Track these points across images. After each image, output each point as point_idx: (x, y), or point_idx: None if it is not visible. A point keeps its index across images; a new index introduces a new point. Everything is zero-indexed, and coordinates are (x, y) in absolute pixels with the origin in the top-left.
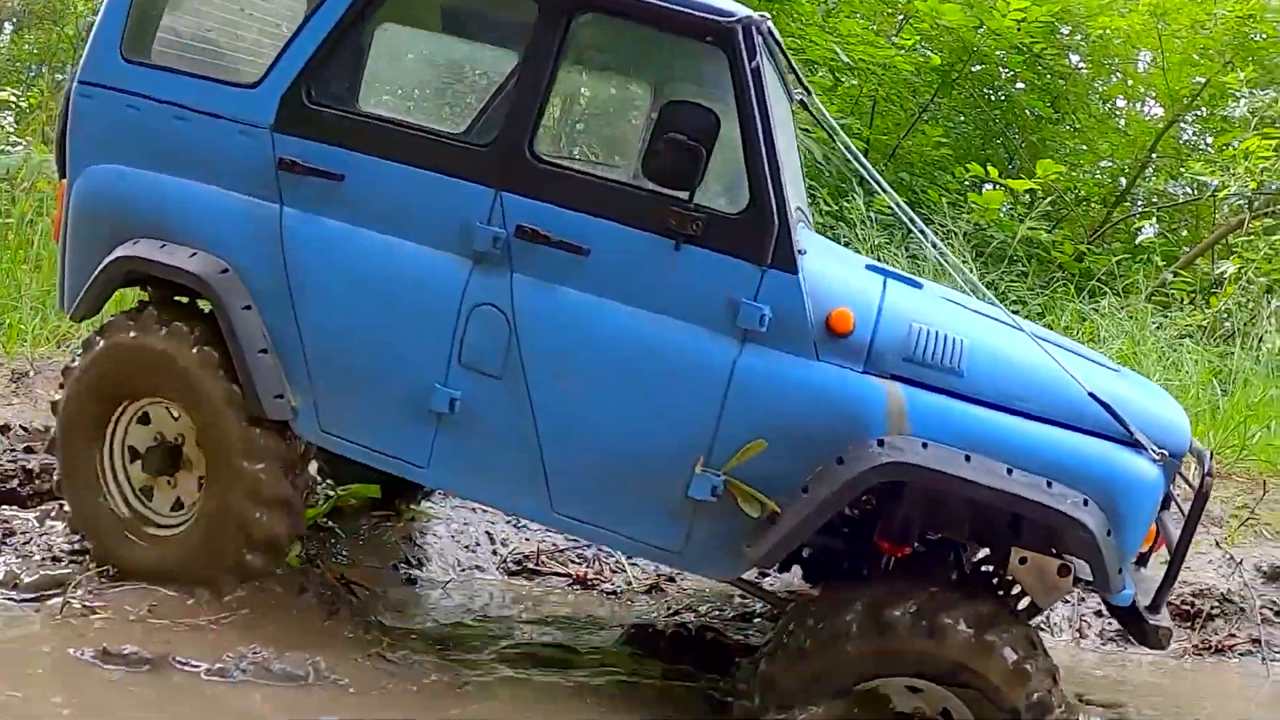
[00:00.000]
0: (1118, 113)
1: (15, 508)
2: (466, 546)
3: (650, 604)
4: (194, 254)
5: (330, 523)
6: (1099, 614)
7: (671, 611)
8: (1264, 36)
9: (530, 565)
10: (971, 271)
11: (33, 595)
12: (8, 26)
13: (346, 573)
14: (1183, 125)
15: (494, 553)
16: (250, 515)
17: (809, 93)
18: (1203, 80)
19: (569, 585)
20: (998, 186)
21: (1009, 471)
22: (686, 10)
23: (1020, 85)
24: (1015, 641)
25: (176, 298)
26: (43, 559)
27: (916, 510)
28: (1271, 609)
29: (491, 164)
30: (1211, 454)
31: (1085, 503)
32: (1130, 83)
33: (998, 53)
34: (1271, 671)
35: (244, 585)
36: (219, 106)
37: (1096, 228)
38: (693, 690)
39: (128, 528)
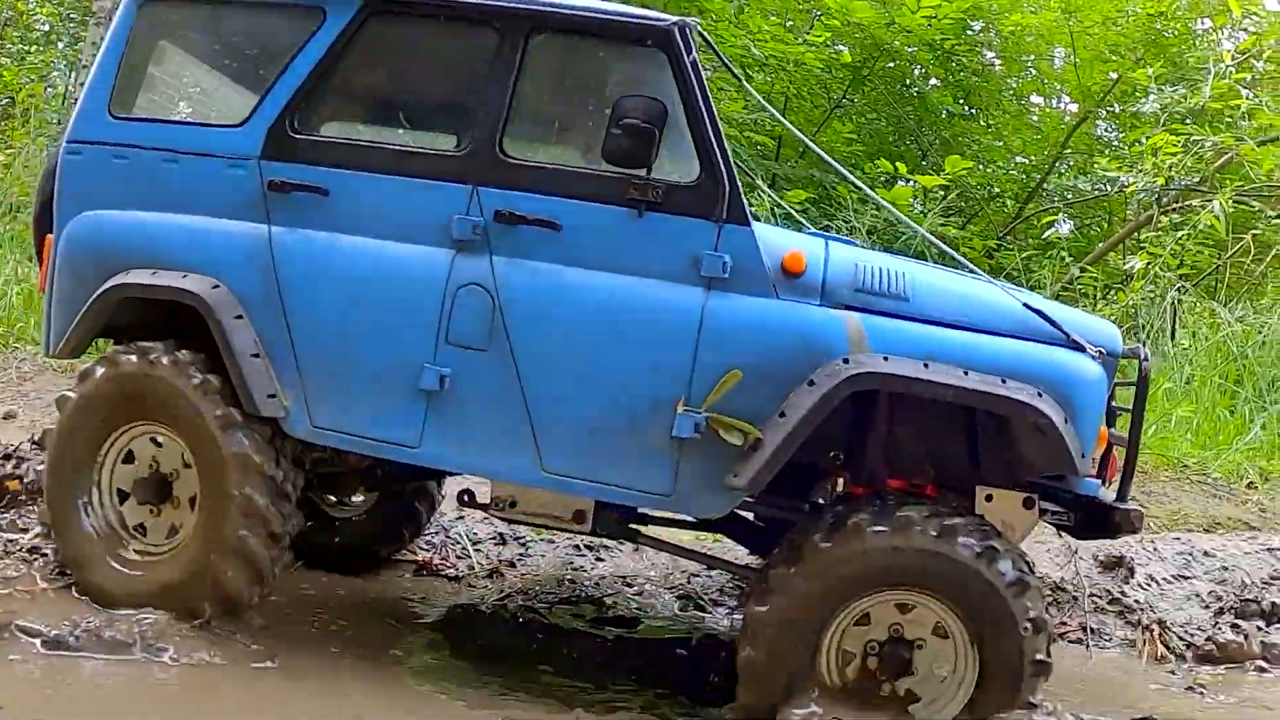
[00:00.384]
0: (1033, 109)
1: None
2: None
3: (489, 587)
4: (185, 275)
5: None
6: None
7: (504, 595)
8: (1175, 33)
9: (380, 554)
10: None
11: None
12: None
13: None
14: (1098, 122)
15: None
16: (238, 540)
17: (743, 81)
18: (1115, 76)
19: (414, 572)
20: (907, 182)
21: (965, 373)
22: (627, 20)
23: (934, 82)
24: (1014, 555)
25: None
26: None
27: (879, 451)
28: (1105, 597)
29: (466, 165)
30: (1145, 348)
31: (1039, 394)
32: (1045, 80)
33: (909, 49)
34: (1096, 656)
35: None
36: (208, 146)
37: (1008, 224)
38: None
39: (110, 551)
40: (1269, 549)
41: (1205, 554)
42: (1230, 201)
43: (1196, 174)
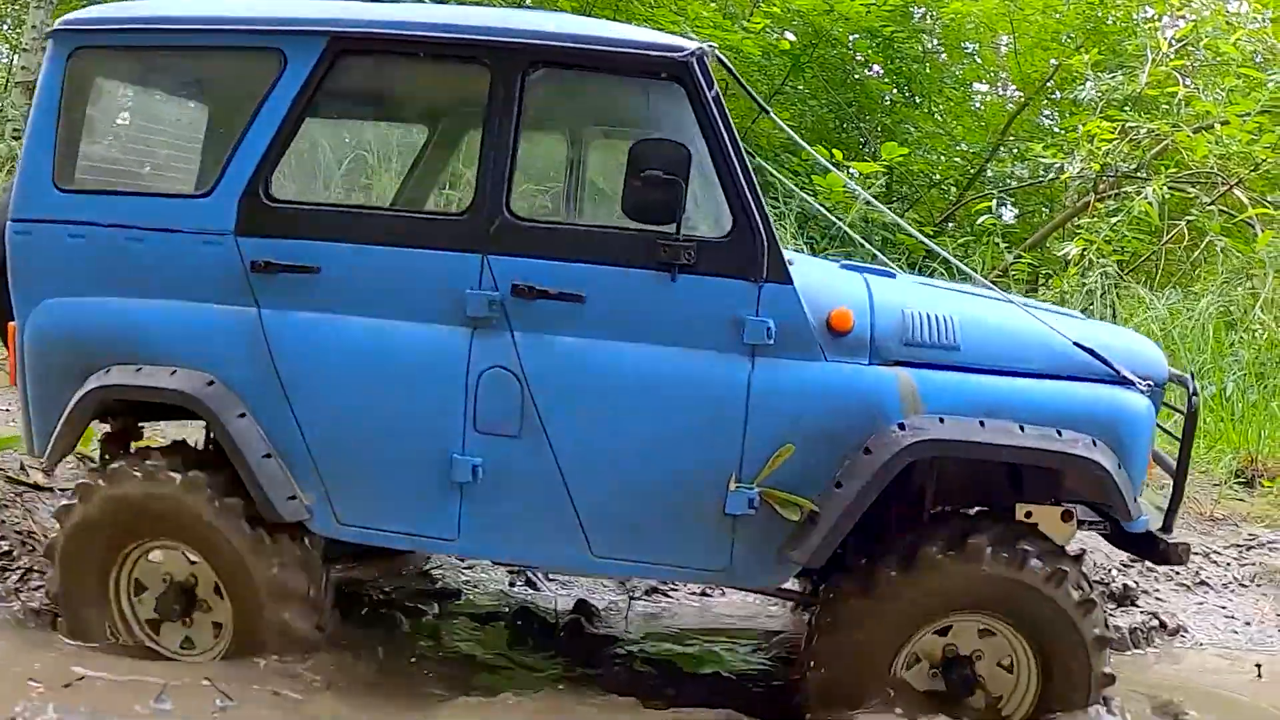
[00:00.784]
0: (976, 97)
1: None
2: None
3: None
4: (174, 371)
5: None
6: None
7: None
8: (1116, 20)
9: None
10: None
11: None
12: None
13: None
14: (1043, 110)
15: None
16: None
17: (767, 111)
18: (1053, 63)
19: None
20: (840, 169)
21: (1021, 429)
22: (636, 51)
23: (876, 70)
24: (1077, 576)
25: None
26: None
27: (927, 485)
28: None
29: (472, 230)
30: (1193, 375)
31: (1094, 443)
32: (988, 67)
33: (849, 36)
34: None
35: None
36: (173, 221)
37: (947, 211)
38: None
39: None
40: None
41: None
42: (1164, 188)
43: (1133, 161)
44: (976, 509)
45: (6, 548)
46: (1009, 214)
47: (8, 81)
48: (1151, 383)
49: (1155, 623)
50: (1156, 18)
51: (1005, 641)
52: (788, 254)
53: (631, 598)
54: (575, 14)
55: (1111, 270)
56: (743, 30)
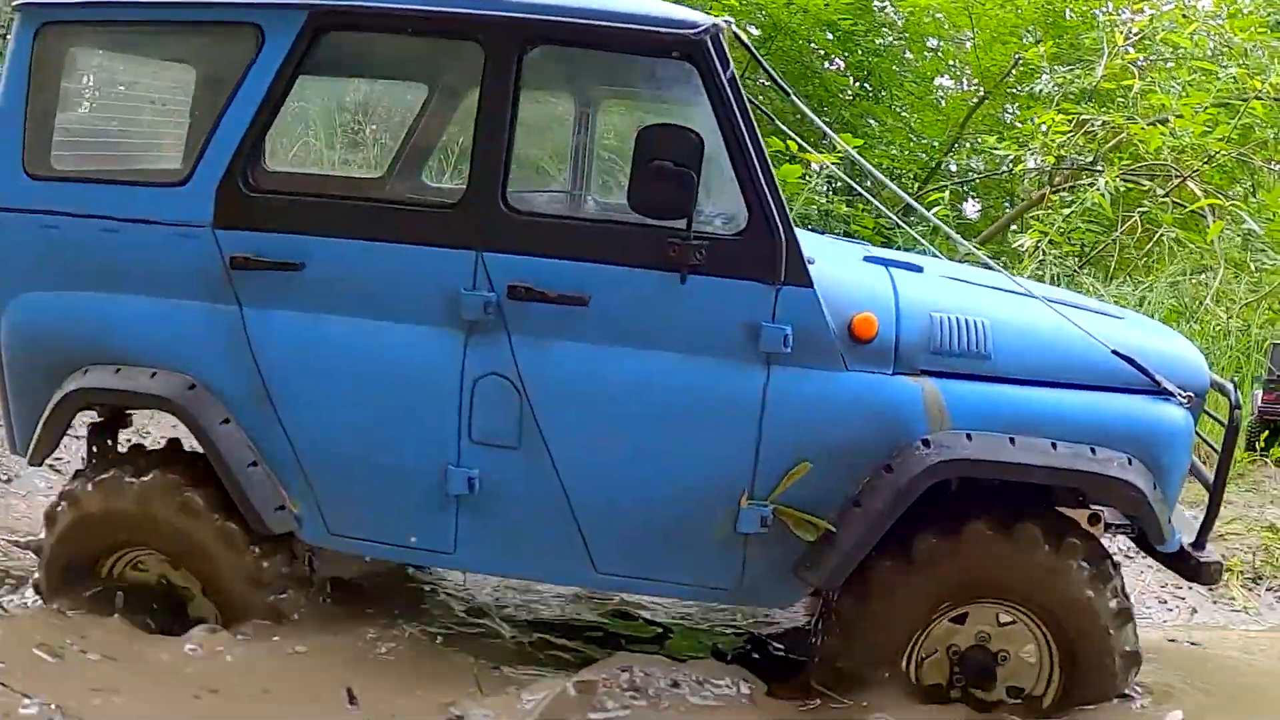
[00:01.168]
0: (940, 92)
1: None
2: None
3: None
4: (154, 374)
5: None
6: None
7: None
8: (1074, 15)
9: None
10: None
11: None
12: None
13: None
14: (1006, 104)
15: None
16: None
17: (788, 93)
18: (1015, 57)
19: None
20: (793, 160)
21: (1054, 446)
22: (645, 28)
23: (838, 63)
24: (1118, 585)
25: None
26: None
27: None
28: None
29: (465, 223)
30: (1236, 385)
31: (1130, 461)
32: (949, 61)
33: (809, 29)
34: None
35: None
36: (149, 211)
37: (903, 203)
38: None
39: None
40: None
41: None
42: (1118, 180)
43: (1089, 154)
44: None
45: None
46: (973, 208)
47: None
48: (1192, 395)
49: None
50: (1116, 11)
51: (1025, 632)
52: (802, 235)
53: None
54: None
55: (1069, 263)
56: None
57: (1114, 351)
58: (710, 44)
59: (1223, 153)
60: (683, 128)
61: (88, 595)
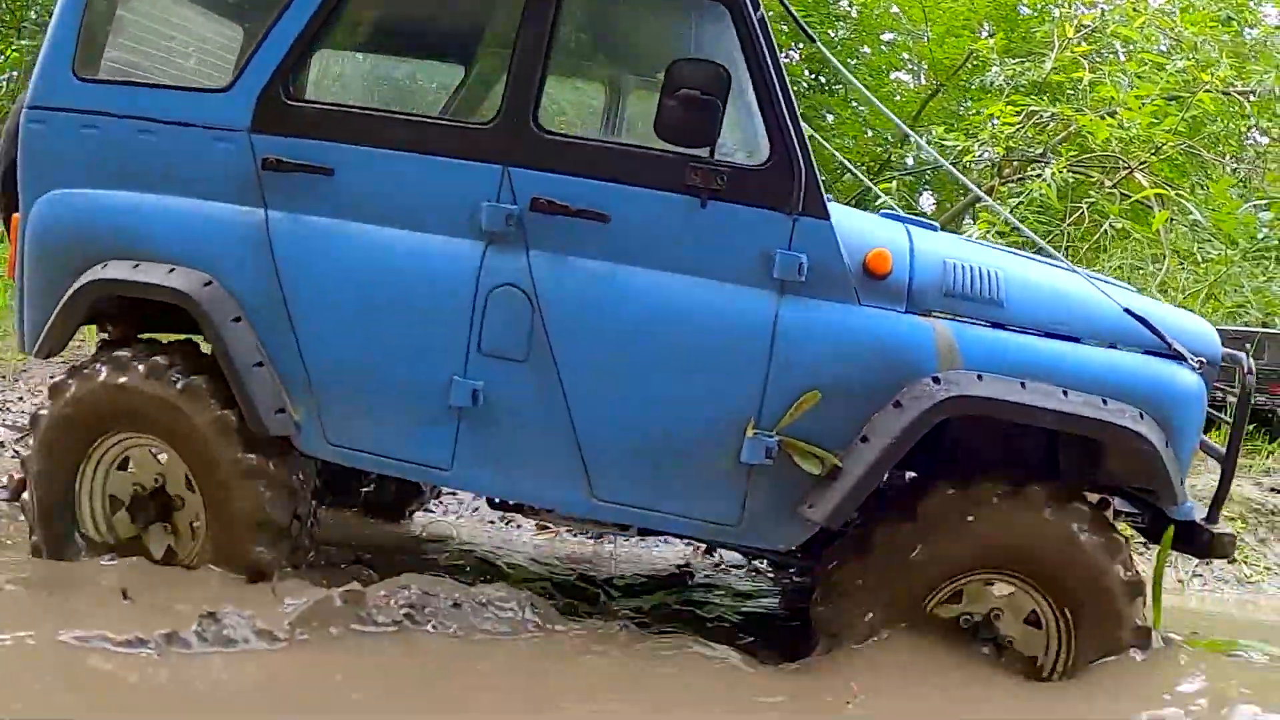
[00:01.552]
0: (898, 86)
1: None
2: None
3: None
4: (172, 270)
5: None
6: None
7: None
8: (1026, 10)
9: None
10: None
11: None
12: None
13: None
14: (964, 96)
15: None
16: (250, 548)
17: (813, 39)
18: (968, 50)
19: None
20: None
21: (1065, 393)
22: None
23: (793, 55)
24: (1128, 557)
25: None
26: None
27: (954, 457)
28: None
29: (496, 141)
30: (1249, 354)
31: (1141, 416)
32: (905, 54)
33: None
34: None
35: None
36: (188, 114)
37: (854, 195)
38: None
39: None
40: None
41: None
42: (1064, 171)
43: (1039, 145)
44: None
45: None
46: (928, 200)
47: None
48: (1204, 360)
49: None
50: (1068, 4)
51: (1029, 603)
52: (841, 209)
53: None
54: None
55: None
56: None
57: (1126, 310)
58: None
59: (1170, 144)
60: (712, 62)
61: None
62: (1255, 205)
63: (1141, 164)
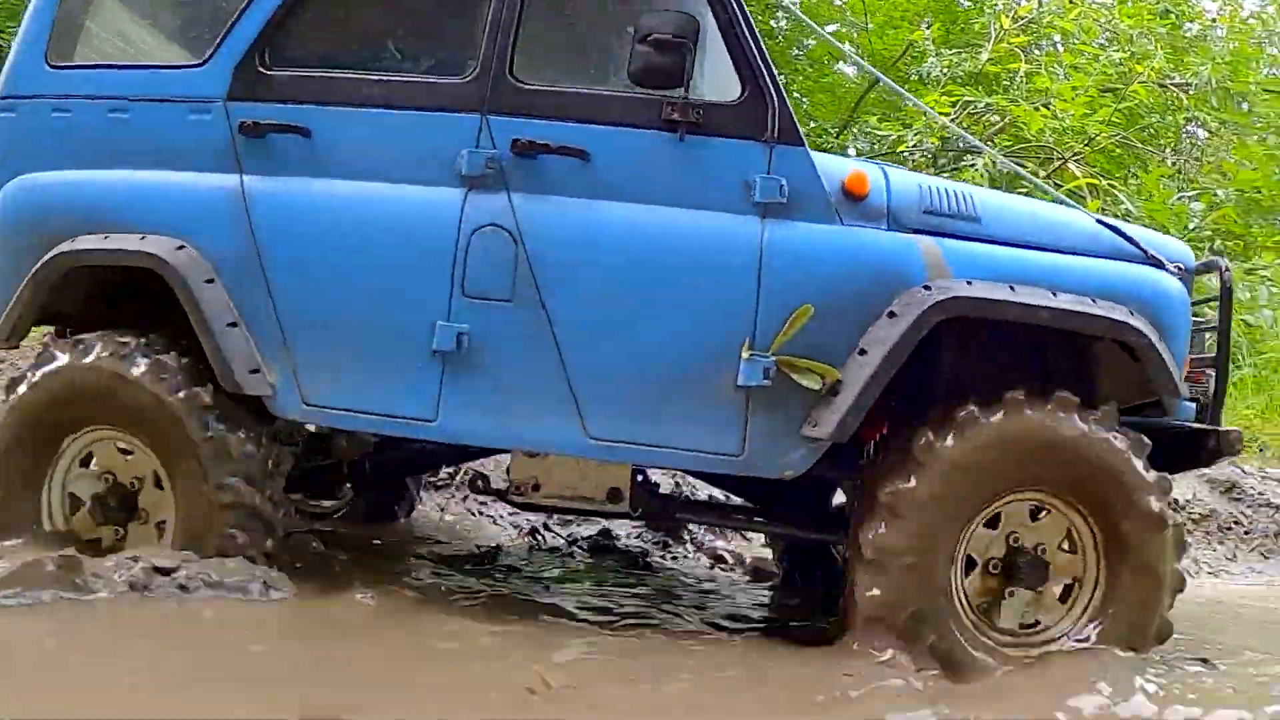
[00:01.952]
0: (840, 77)
1: None
2: None
3: None
4: (143, 237)
5: None
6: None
7: None
8: (966, 4)
9: None
10: None
11: None
12: None
13: None
14: (903, 87)
15: None
16: (222, 530)
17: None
18: (907, 41)
19: None
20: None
21: (1055, 294)
22: None
23: None
24: (1165, 482)
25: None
26: None
27: (943, 391)
28: None
29: (473, 92)
30: (1223, 253)
31: (1132, 313)
32: (847, 44)
33: None
34: None
35: None
36: (164, 90)
37: None
38: None
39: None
40: None
41: None
42: (996, 161)
43: (975, 136)
44: None
45: None
46: None
47: None
48: (1181, 266)
49: None
50: None
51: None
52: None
53: None
54: None
55: None
56: None
57: (1100, 221)
58: None
59: (1103, 136)
60: (680, 11)
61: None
62: (1187, 195)
63: (1075, 155)
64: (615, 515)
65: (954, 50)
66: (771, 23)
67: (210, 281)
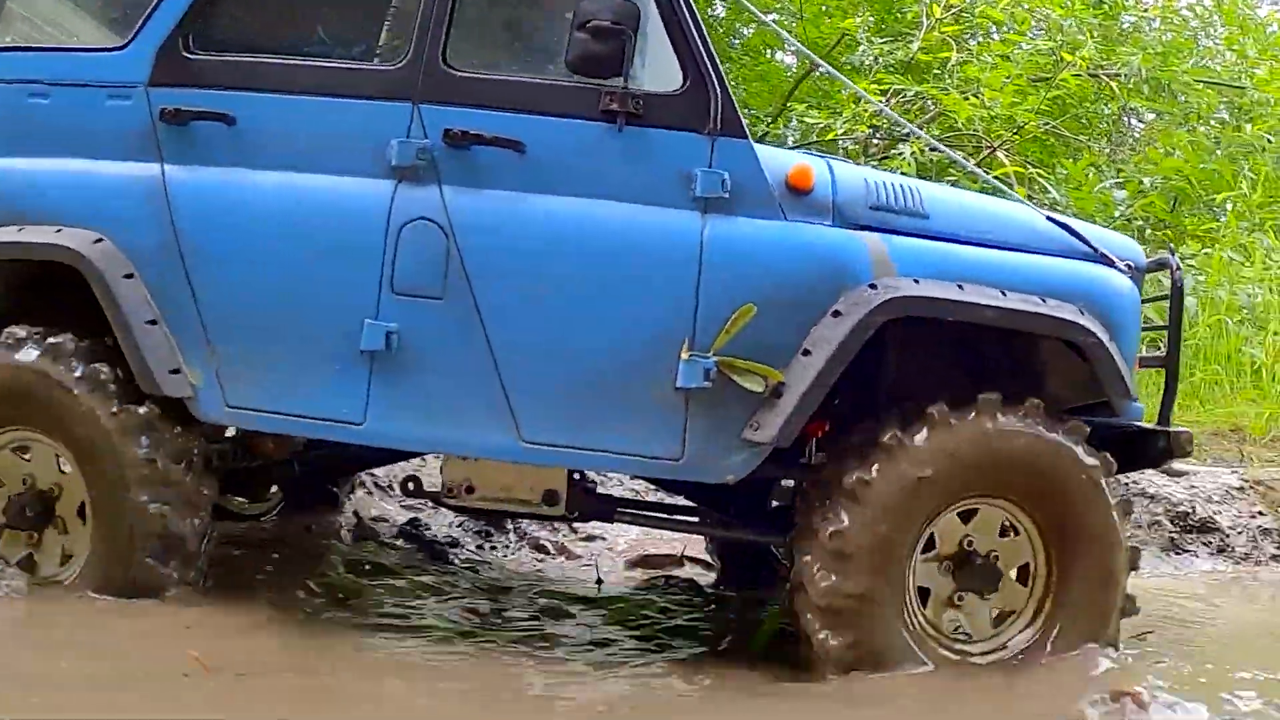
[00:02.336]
0: (780, 65)
1: None
2: None
3: None
4: (59, 230)
5: None
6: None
7: None
8: None
9: None
10: None
11: None
12: None
13: None
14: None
15: None
16: (141, 558)
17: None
18: (842, 32)
19: None
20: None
21: (1004, 294)
22: None
23: None
24: (1127, 504)
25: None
26: None
27: (886, 391)
28: None
29: (404, 79)
30: (1174, 251)
31: (1082, 312)
32: (782, 32)
33: None
34: None
35: None
36: (82, 74)
37: None
38: None
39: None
40: None
41: None
42: (924, 149)
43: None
44: None
45: None
46: None
47: None
48: (1132, 264)
49: None
50: None
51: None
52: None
53: None
54: None
55: None
56: None
57: (1049, 219)
58: None
59: (1032, 124)
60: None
61: None
62: (1113, 183)
63: (1003, 143)
64: (552, 518)
65: (884, 40)
66: (710, 12)
67: (129, 276)
